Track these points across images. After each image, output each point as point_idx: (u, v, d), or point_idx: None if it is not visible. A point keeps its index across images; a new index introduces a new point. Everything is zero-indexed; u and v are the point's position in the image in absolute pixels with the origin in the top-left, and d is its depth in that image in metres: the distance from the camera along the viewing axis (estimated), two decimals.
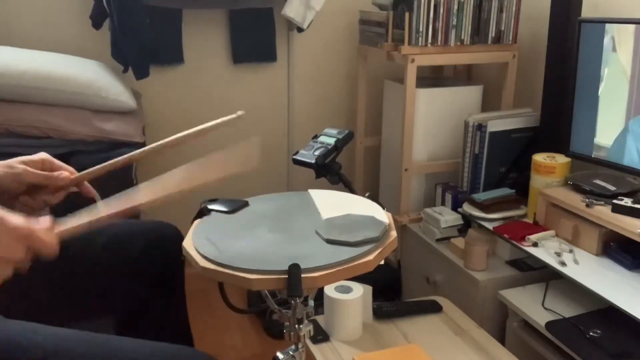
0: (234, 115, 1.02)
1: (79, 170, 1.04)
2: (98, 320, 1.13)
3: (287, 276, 0.80)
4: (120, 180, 1.66)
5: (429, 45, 2.00)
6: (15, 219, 0.73)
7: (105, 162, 1.09)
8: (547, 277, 1.66)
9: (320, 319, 1.51)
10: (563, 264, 1.53)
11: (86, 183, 1.06)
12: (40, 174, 0.98)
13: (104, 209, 0.84)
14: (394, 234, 0.93)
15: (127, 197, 0.86)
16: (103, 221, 0.84)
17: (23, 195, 0.99)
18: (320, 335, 1.46)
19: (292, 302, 0.89)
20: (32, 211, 1.00)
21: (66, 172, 1.02)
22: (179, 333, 1.24)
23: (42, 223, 0.76)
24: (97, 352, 0.85)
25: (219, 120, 1.02)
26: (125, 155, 1.07)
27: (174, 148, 1.05)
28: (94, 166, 1.06)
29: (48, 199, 1.01)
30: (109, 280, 1.13)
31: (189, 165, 0.94)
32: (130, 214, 0.86)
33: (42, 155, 1.01)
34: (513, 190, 1.91)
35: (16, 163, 0.97)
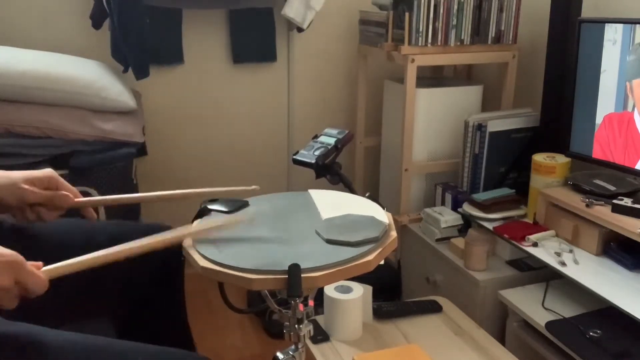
0: (249, 188, 1.05)
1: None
2: (97, 321, 1.13)
3: (287, 276, 0.80)
4: (120, 180, 1.67)
5: (429, 45, 2.00)
6: (5, 250, 0.72)
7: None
8: (547, 277, 1.66)
9: (320, 319, 1.51)
10: (563, 264, 1.53)
11: (89, 208, 1.05)
12: (43, 195, 0.98)
13: (95, 255, 0.84)
14: (394, 234, 0.93)
15: (115, 249, 0.86)
16: (90, 265, 0.83)
17: (23, 209, 0.99)
18: (320, 335, 1.46)
19: (292, 302, 0.89)
20: (25, 221, 1.00)
21: (70, 194, 1.01)
22: (179, 334, 1.24)
23: (33, 262, 0.75)
24: (98, 356, 0.85)
25: (232, 188, 1.03)
26: (134, 195, 1.09)
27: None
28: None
29: (44, 215, 1.00)
30: (108, 281, 1.13)
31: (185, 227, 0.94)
32: (121, 259, 0.86)
33: (48, 173, 1.01)
34: (513, 190, 1.91)
35: (21, 182, 0.97)
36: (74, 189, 1.03)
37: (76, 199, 1.03)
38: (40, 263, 0.78)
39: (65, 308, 1.07)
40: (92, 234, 1.10)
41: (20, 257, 0.73)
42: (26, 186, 0.97)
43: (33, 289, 0.75)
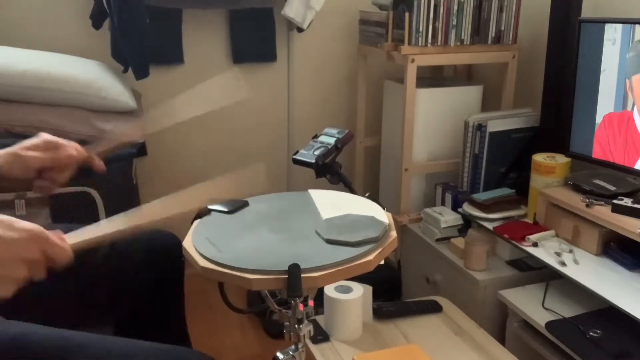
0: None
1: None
2: (97, 320, 1.13)
3: (287, 276, 0.80)
4: (120, 180, 1.67)
5: (429, 45, 2.00)
6: (28, 224, 0.73)
7: (105, 162, 1.09)
8: (547, 277, 1.66)
9: (320, 319, 1.51)
10: (563, 264, 1.53)
11: (95, 157, 1.06)
12: (46, 158, 0.99)
13: (111, 224, 0.84)
14: (394, 234, 0.93)
15: (132, 215, 0.86)
16: (111, 236, 0.84)
17: (35, 179, 0.99)
18: (320, 335, 1.46)
19: (292, 302, 0.89)
20: (41, 190, 1.00)
21: (71, 149, 1.02)
22: (175, 334, 1.25)
23: (54, 231, 0.77)
24: (96, 353, 0.85)
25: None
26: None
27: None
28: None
29: (57, 177, 1.01)
30: (108, 285, 1.13)
31: (195, 187, 0.93)
32: (136, 230, 0.86)
33: (44, 136, 1.01)
34: (513, 190, 1.91)
35: (21, 150, 0.97)
36: (74, 143, 1.03)
37: (79, 153, 1.02)
38: (60, 233, 0.78)
39: (66, 314, 1.07)
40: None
41: (44, 230, 0.74)
42: (28, 152, 0.97)
43: (59, 259, 0.75)
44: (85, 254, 0.96)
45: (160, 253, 1.17)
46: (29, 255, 0.72)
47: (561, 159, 1.76)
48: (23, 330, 0.86)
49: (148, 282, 1.16)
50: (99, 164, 1.07)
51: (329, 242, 0.89)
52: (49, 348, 0.83)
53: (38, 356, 0.82)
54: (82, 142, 1.63)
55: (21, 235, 0.72)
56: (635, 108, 1.55)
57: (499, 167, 2.01)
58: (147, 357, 0.87)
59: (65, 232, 1.08)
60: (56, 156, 1.00)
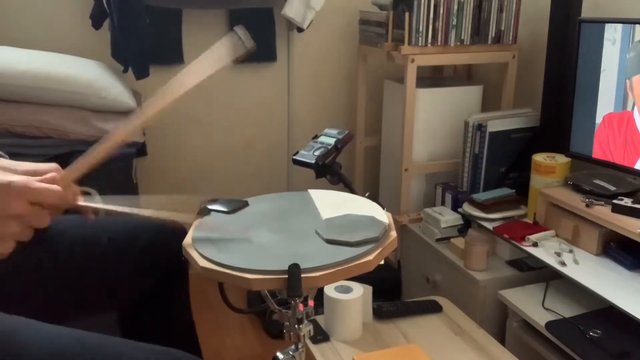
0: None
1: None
2: (101, 316, 1.13)
3: (287, 276, 0.80)
4: (120, 180, 1.67)
5: (429, 45, 2.00)
6: (10, 175, 0.71)
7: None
8: (547, 277, 1.66)
9: (320, 319, 1.51)
10: (563, 264, 1.53)
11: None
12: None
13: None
14: (394, 234, 0.92)
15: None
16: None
17: None
18: (320, 335, 1.46)
19: (292, 302, 0.89)
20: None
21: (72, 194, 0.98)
22: (183, 330, 1.24)
23: (45, 177, 0.74)
24: (93, 353, 0.85)
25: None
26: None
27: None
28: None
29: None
30: (113, 275, 1.12)
31: (182, 73, 0.91)
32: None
33: (52, 167, 0.90)
34: (513, 190, 1.91)
35: (22, 173, 0.93)
36: (76, 188, 1.01)
37: (75, 203, 1.00)
38: (54, 174, 0.76)
39: (69, 303, 1.07)
40: (96, 231, 1.09)
41: (28, 179, 0.72)
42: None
43: (49, 201, 0.74)
44: (87, 241, 0.94)
45: (164, 239, 1.16)
46: (15, 211, 0.71)
47: (561, 159, 1.76)
48: (14, 324, 0.85)
49: (151, 271, 1.15)
50: (89, 216, 1.00)
51: (329, 242, 0.89)
52: (44, 344, 0.83)
53: (31, 353, 0.82)
54: (82, 142, 1.64)
55: (3, 192, 0.70)
56: (635, 108, 1.55)
57: (499, 167, 2.01)
58: (136, 358, 0.86)
59: (72, 222, 1.05)
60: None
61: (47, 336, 0.83)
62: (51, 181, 0.76)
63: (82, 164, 0.82)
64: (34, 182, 0.73)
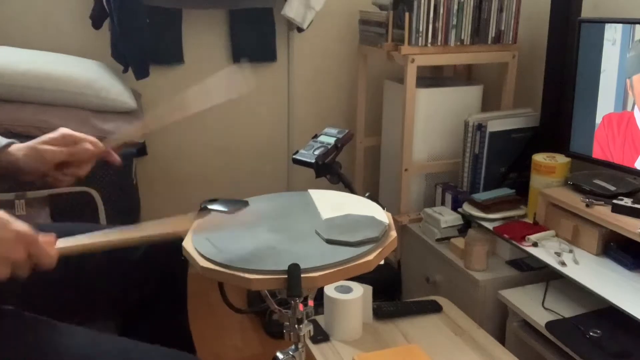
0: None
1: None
2: (99, 324, 1.13)
3: (287, 276, 0.80)
4: (120, 180, 1.67)
5: (429, 45, 2.00)
6: (21, 225, 0.76)
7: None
8: (547, 277, 1.66)
9: (320, 319, 1.51)
10: (563, 264, 1.53)
11: (111, 151, 1.07)
12: (64, 152, 1.00)
13: (103, 235, 0.85)
14: (394, 234, 0.92)
15: (126, 230, 0.87)
16: (101, 246, 0.85)
17: (53, 172, 1.01)
18: (320, 335, 1.46)
19: (292, 302, 0.89)
20: (62, 184, 1.02)
21: (88, 144, 1.03)
22: (179, 336, 1.24)
23: (45, 236, 0.79)
24: (103, 353, 0.85)
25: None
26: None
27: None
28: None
29: (76, 172, 1.03)
30: (111, 284, 1.13)
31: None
32: (130, 244, 0.88)
33: (62, 130, 1.02)
34: (513, 190, 1.91)
35: (39, 144, 0.99)
36: (92, 138, 1.05)
37: (96, 148, 1.03)
38: (53, 237, 0.81)
39: (68, 308, 1.07)
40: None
41: (34, 234, 0.77)
42: (44, 146, 0.99)
43: (43, 264, 0.78)
44: (80, 256, 0.96)
45: (162, 247, 1.17)
46: (14, 256, 0.75)
47: (561, 159, 1.76)
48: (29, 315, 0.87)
49: (149, 279, 1.16)
50: (115, 158, 1.09)
51: (329, 242, 0.89)
52: (55, 343, 0.84)
53: (41, 352, 0.83)
54: None
55: (11, 236, 0.74)
56: (635, 107, 1.55)
57: (499, 167, 2.01)
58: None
59: (71, 229, 1.08)
60: (73, 150, 1.01)
61: (57, 336, 0.85)
62: (49, 243, 0.80)
63: (83, 242, 0.84)
64: (38, 238, 0.78)
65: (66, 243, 0.83)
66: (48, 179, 1.01)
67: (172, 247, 1.18)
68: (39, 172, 1.00)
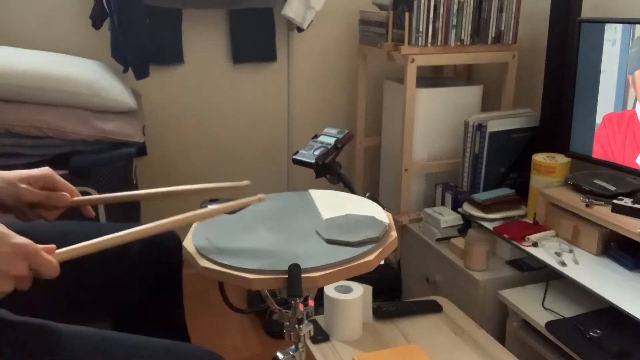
0: (239, 183, 1.02)
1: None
2: (96, 323, 1.13)
3: (287, 276, 0.80)
4: (120, 180, 1.67)
5: (429, 45, 2.00)
6: (20, 238, 0.75)
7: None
8: (547, 277, 1.66)
9: (320, 319, 1.51)
10: (563, 264, 1.53)
11: (88, 207, 1.06)
12: (41, 194, 0.98)
13: (104, 238, 0.85)
14: (394, 234, 0.93)
15: (126, 232, 0.87)
16: (101, 247, 0.85)
17: (23, 206, 0.99)
18: (320, 335, 1.46)
19: (292, 302, 0.89)
20: (26, 220, 1.01)
21: (67, 193, 1.01)
22: (177, 334, 1.24)
23: (46, 246, 0.78)
24: (108, 349, 0.85)
25: (223, 185, 1.01)
26: (129, 193, 1.07)
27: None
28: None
29: (44, 215, 1.01)
30: (108, 283, 1.13)
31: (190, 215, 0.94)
32: (131, 240, 0.87)
33: (45, 171, 1.01)
34: (513, 190, 1.91)
35: (18, 181, 0.97)
36: (72, 187, 1.03)
37: (73, 198, 1.02)
38: (53, 246, 0.79)
39: (65, 308, 1.07)
40: (96, 236, 1.10)
41: (34, 246, 0.76)
42: (22, 185, 0.97)
43: (45, 274, 0.77)
44: None
45: (158, 247, 1.17)
46: (16, 272, 0.73)
47: (561, 159, 1.76)
48: (29, 320, 0.86)
49: (145, 278, 1.16)
50: (90, 212, 1.07)
51: (329, 242, 0.89)
52: (60, 336, 0.84)
53: (44, 350, 0.83)
54: (82, 142, 1.64)
55: (10, 250, 0.73)
56: (637, 104, 1.55)
57: (499, 167, 2.01)
58: (166, 355, 0.87)
59: (72, 227, 1.08)
60: (51, 195, 1.00)
61: (65, 332, 0.85)
62: (49, 251, 0.78)
63: (83, 248, 0.83)
64: (39, 249, 0.76)
65: (67, 253, 0.82)
66: (13, 211, 0.99)
67: (167, 244, 1.18)
68: (8, 206, 0.98)
